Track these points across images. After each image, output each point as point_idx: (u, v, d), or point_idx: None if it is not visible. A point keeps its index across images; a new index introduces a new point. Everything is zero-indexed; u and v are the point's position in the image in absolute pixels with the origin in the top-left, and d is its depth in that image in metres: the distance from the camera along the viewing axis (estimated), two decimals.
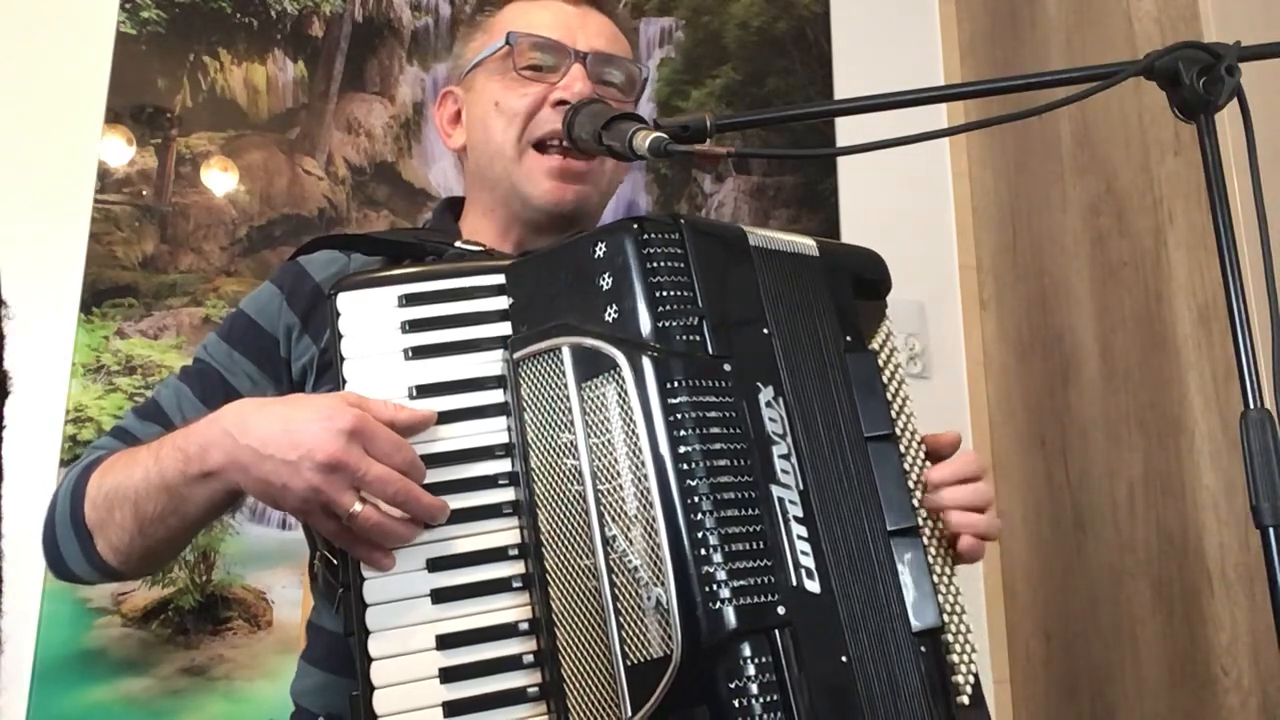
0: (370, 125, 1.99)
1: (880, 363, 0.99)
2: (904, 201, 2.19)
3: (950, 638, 0.93)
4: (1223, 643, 1.50)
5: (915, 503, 0.96)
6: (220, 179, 1.89)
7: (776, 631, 0.79)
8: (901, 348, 2.07)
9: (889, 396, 0.98)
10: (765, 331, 0.91)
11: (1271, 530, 0.84)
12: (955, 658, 0.92)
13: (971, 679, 0.93)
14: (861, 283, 1.03)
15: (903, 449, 0.97)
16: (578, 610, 0.83)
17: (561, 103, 1.11)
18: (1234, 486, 1.51)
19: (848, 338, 0.98)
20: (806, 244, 1.00)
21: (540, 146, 1.14)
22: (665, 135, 0.94)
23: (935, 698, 0.88)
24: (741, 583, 0.79)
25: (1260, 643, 1.45)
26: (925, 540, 0.95)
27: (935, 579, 0.93)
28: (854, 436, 0.94)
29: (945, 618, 0.92)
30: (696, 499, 0.80)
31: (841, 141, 2.15)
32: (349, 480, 0.82)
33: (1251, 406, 0.87)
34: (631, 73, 1.19)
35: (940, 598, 0.93)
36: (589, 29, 1.17)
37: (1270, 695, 1.43)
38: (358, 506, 0.83)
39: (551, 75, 1.14)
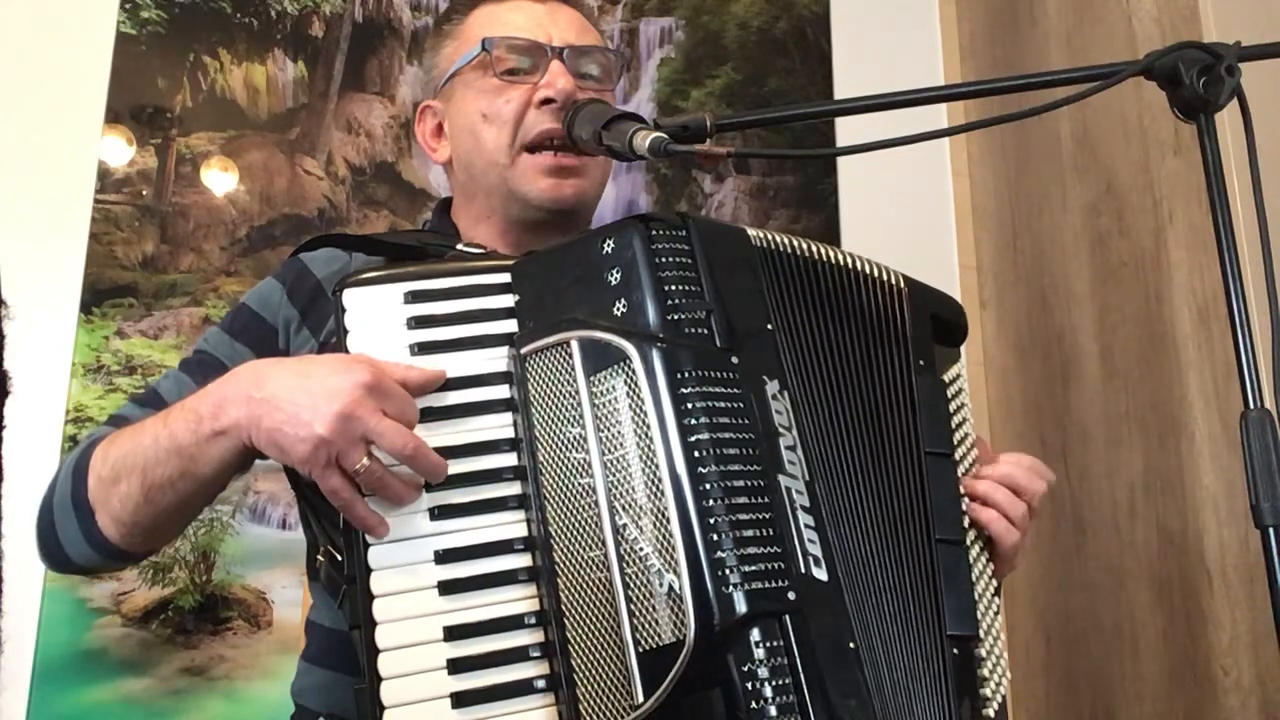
0: (370, 125, 1.99)
1: (949, 394, 1.03)
2: (904, 201, 2.19)
3: (983, 652, 0.94)
4: (1223, 642, 1.50)
5: (967, 523, 0.98)
6: (220, 179, 1.89)
7: (787, 616, 0.80)
8: None
9: (953, 425, 1.02)
10: (769, 328, 0.93)
11: (1271, 530, 0.84)
12: (985, 671, 0.94)
13: (999, 697, 0.94)
14: (941, 322, 1.06)
15: (960, 473, 1.00)
16: (587, 601, 0.83)
17: (547, 101, 1.12)
18: (1234, 486, 1.51)
19: (920, 362, 1.01)
20: (895, 275, 1.04)
21: (531, 148, 1.14)
22: (665, 135, 0.95)
23: (958, 700, 0.90)
24: (752, 568, 0.80)
25: (1260, 643, 1.45)
26: (972, 559, 0.97)
27: (977, 595, 0.95)
28: (907, 448, 0.97)
29: (981, 632, 0.94)
30: (707, 487, 0.82)
31: (841, 141, 2.15)
32: (360, 432, 0.83)
33: (1251, 406, 0.87)
34: (607, 61, 1.19)
35: (979, 613, 0.94)
36: (560, 24, 1.18)
37: (1270, 695, 1.43)
38: (366, 461, 0.84)
39: (531, 76, 1.14)
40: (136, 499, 0.96)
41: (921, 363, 1.01)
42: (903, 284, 1.04)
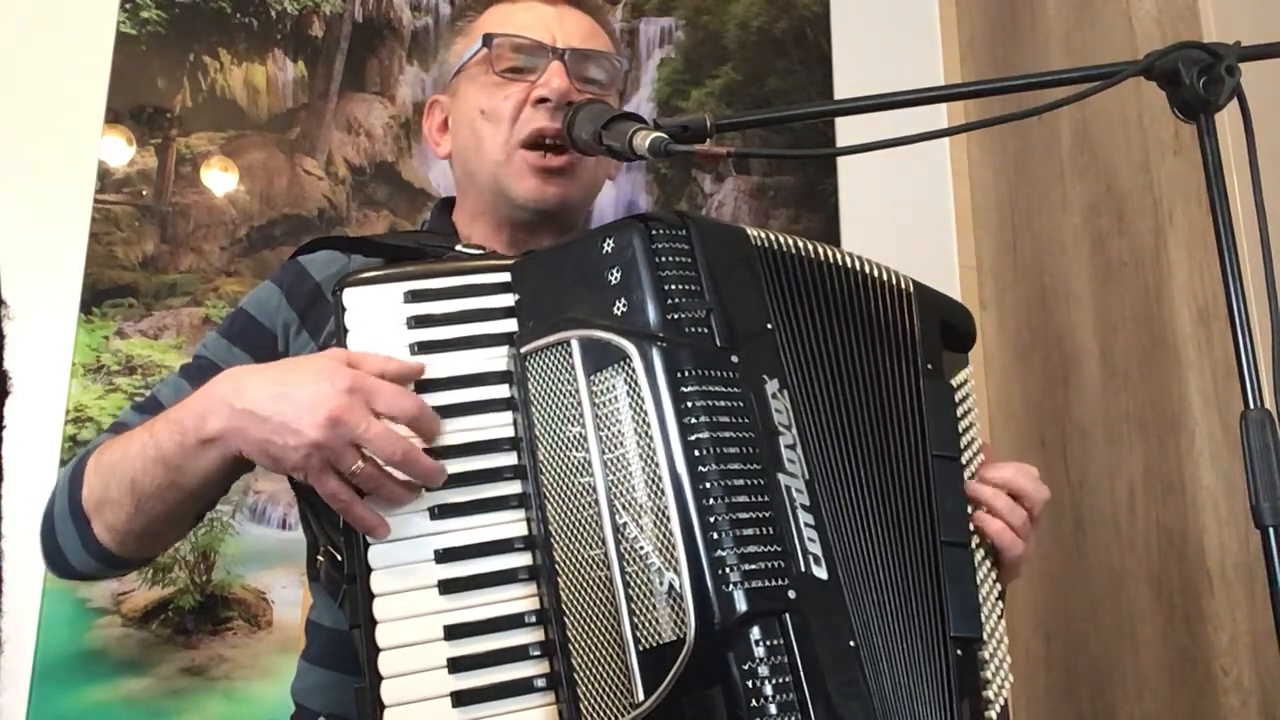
0: (370, 125, 1.99)
1: (956, 398, 1.03)
2: (904, 201, 2.19)
3: (987, 654, 0.95)
4: (1223, 643, 1.50)
5: (972, 527, 0.99)
6: (220, 179, 1.89)
7: (787, 615, 0.81)
8: None
9: (959, 429, 1.02)
10: (769, 327, 0.93)
11: (1271, 530, 0.84)
12: (988, 674, 0.94)
13: (1002, 699, 0.95)
14: (950, 328, 1.06)
15: (966, 477, 1.01)
16: (587, 599, 0.83)
17: (542, 100, 1.13)
18: (1234, 486, 1.51)
19: (928, 365, 1.01)
20: (903, 278, 1.04)
21: (525, 146, 1.14)
22: (665, 135, 0.95)
23: (960, 701, 0.90)
24: (752, 567, 0.80)
25: (1260, 643, 1.45)
26: (977, 562, 0.97)
27: (981, 598, 0.95)
28: (912, 449, 0.97)
29: (985, 634, 0.94)
30: (707, 485, 0.82)
31: (841, 141, 2.15)
32: (350, 436, 0.83)
33: (1251, 406, 0.87)
34: (612, 67, 1.20)
35: (983, 615, 0.95)
36: (567, 26, 1.18)
37: (1270, 695, 1.43)
38: (360, 464, 0.84)
39: (531, 75, 1.15)
40: (128, 508, 0.96)
41: (929, 366, 1.01)
42: (910, 287, 1.04)
